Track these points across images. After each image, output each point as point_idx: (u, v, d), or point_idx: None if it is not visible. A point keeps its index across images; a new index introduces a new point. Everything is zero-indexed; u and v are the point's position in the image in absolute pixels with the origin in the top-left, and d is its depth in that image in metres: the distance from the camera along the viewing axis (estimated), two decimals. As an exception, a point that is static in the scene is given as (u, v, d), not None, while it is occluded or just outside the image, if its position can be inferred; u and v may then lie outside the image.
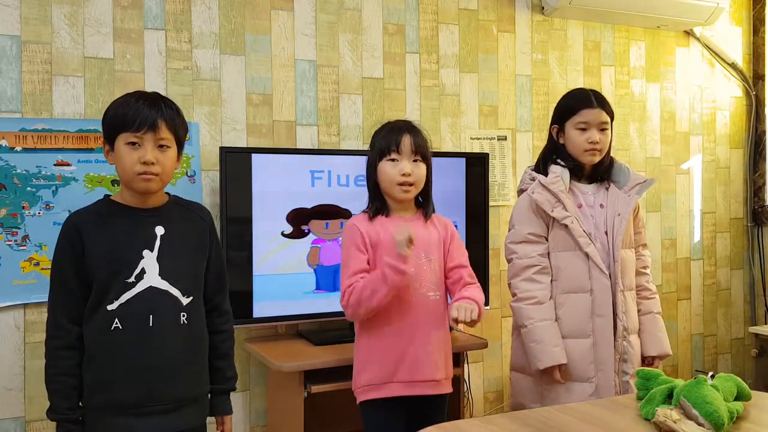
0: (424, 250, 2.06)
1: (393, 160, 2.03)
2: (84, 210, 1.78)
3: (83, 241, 1.71)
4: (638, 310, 2.28)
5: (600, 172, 2.27)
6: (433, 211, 2.14)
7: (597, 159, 2.23)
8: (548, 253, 2.20)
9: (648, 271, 2.36)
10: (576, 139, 2.21)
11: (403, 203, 2.09)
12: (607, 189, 2.27)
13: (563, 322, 2.17)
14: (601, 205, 2.24)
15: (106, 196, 1.83)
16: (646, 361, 2.27)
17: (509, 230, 2.29)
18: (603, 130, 2.21)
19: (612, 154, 2.32)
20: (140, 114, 1.68)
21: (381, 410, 2.04)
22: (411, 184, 2.04)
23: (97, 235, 1.72)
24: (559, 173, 2.22)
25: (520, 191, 2.31)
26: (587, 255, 2.16)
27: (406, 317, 2.02)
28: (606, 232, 2.21)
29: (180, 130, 1.77)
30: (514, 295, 2.23)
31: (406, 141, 2.03)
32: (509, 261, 2.26)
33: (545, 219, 2.20)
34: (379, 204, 2.08)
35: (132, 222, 1.75)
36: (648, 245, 2.41)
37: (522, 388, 2.25)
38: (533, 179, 2.25)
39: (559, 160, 2.25)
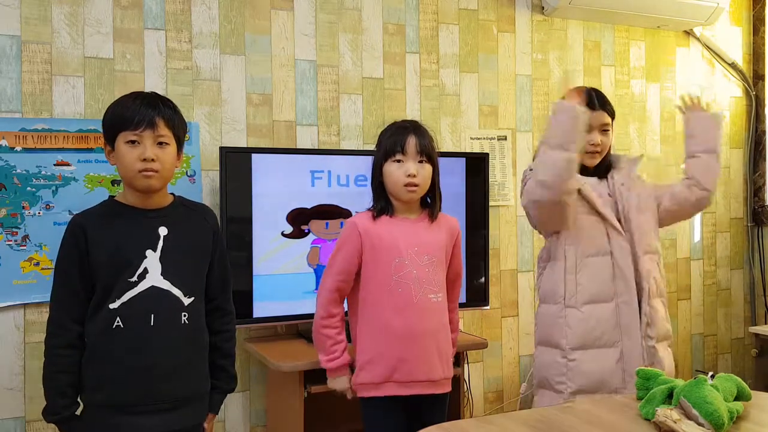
0: (426, 253, 2.06)
1: (398, 161, 2.03)
2: (89, 210, 1.80)
3: (87, 240, 1.72)
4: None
5: (602, 170, 2.28)
6: (440, 211, 2.14)
7: (597, 160, 2.25)
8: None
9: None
10: None
11: (408, 204, 2.09)
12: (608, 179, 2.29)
13: (585, 287, 2.16)
14: (609, 195, 2.24)
15: (111, 197, 1.84)
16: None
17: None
18: (604, 131, 2.22)
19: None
20: (138, 112, 1.70)
21: (380, 408, 2.05)
22: (416, 185, 2.04)
23: (101, 235, 1.73)
24: None
25: (523, 185, 2.30)
26: (603, 217, 2.16)
27: (408, 318, 2.02)
28: (616, 201, 2.21)
29: (178, 128, 1.78)
30: (527, 186, 2.16)
31: (411, 142, 2.03)
32: (523, 199, 2.22)
33: None
34: (383, 204, 2.08)
35: (135, 222, 1.76)
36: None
37: (546, 361, 2.23)
38: (532, 169, 2.25)
39: None
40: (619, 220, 2.21)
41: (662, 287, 2.28)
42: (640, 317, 2.17)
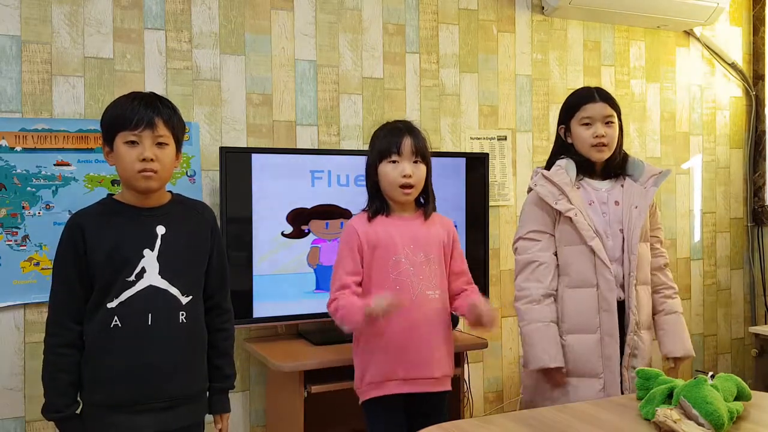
0: (423, 250, 2.07)
1: (394, 161, 2.03)
2: (86, 210, 1.80)
3: (85, 240, 1.72)
4: (661, 310, 2.27)
5: (613, 167, 2.24)
6: (434, 210, 2.14)
7: (606, 154, 2.20)
8: (555, 250, 2.19)
9: (668, 269, 2.34)
10: (582, 135, 2.20)
11: (403, 203, 2.09)
12: (622, 186, 2.24)
13: (570, 316, 2.16)
14: (616, 202, 2.20)
15: (109, 196, 1.84)
16: (670, 362, 2.25)
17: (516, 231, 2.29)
18: (608, 123, 2.19)
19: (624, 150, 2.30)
20: (137, 113, 1.70)
21: (382, 407, 2.05)
22: (411, 186, 2.04)
23: (99, 235, 1.73)
24: (563, 166, 2.21)
25: (530, 189, 2.30)
26: (592, 249, 2.14)
27: (406, 316, 2.02)
28: (621, 230, 2.18)
29: (177, 129, 1.78)
30: (516, 281, 2.22)
31: (407, 143, 2.04)
32: (515, 259, 2.26)
33: (551, 213, 2.18)
34: (378, 204, 2.09)
35: (133, 221, 1.76)
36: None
37: (532, 384, 2.23)
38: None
39: (563, 156, 2.25)
40: (622, 233, 2.20)
41: (649, 318, 2.27)
42: (623, 348, 2.16)
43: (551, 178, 2.17)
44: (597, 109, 2.19)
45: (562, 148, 2.28)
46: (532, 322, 2.14)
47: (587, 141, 2.19)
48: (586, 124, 2.19)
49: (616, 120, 2.21)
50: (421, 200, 2.14)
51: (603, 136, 2.17)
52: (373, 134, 2.13)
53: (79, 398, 1.77)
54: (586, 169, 2.23)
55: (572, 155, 2.23)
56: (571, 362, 2.14)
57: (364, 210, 2.12)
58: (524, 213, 2.26)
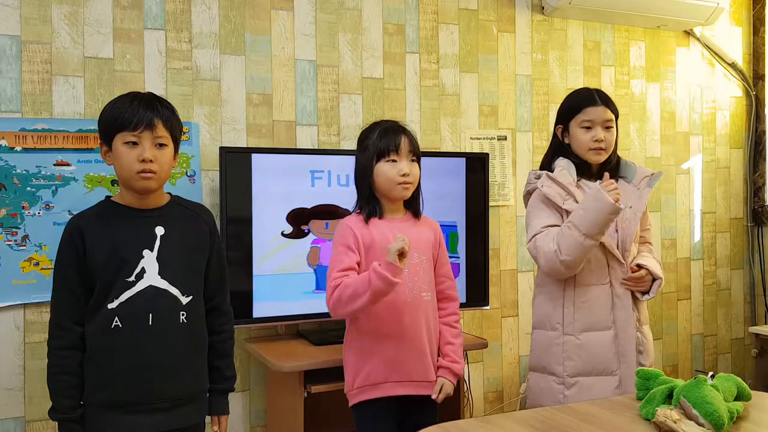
0: (416, 251, 2.07)
1: (392, 160, 2.03)
2: (85, 212, 1.80)
3: (85, 242, 1.73)
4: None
5: (608, 170, 2.24)
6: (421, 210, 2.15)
7: (603, 157, 2.22)
8: None
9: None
10: (581, 138, 2.20)
11: (395, 203, 2.10)
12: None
13: (584, 314, 2.16)
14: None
15: (107, 197, 1.84)
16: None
17: (526, 233, 2.27)
18: (608, 128, 2.20)
19: (617, 152, 2.31)
20: (137, 114, 1.71)
21: (374, 410, 2.04)
22: (410, 183, 2.05)
23: (98, 236, 1.73)
24: (564, 166, 2.21)
25: (527, 193, 2.30)
26: (603, 246, 2.14)
27: (400, 318, 2.02)
28: (616, 230, 2.19)
29: (176, 129, 1.80)
30: (546, 257, 2.12)
31: (404, 142, 2.05)
32: (536, 259, 2.19)
33: (558, 210, 2.18)
34: (373, 206, 2.08)
35: (132, 222, 1.77)
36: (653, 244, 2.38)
37: (542, 388, 2.22)
38: (538, 177, 2.24)
39: (561, 157, 2.25)
40: (617, 233, 2.19)
41: (647, 314, 2.28)
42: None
43: (556, 179, 2.18)
44: (598, 112, 2.19)
45: (559, 148, 2.28)
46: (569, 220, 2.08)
47: (586, 144, 2.20)
48: (587, 128, 2.19)
49: (614, 124, 2.22)
50: (411, 199, 2.13)
51: (602, 140, 2.18)
52: (361, 135, 2.13)
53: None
54: (583, 170, 2.24)
55: (569, 156, 2.24)
56: (584, 361, 2.14)
57: (356, 212, 2.11)
58: (531, 212, 2.24)
